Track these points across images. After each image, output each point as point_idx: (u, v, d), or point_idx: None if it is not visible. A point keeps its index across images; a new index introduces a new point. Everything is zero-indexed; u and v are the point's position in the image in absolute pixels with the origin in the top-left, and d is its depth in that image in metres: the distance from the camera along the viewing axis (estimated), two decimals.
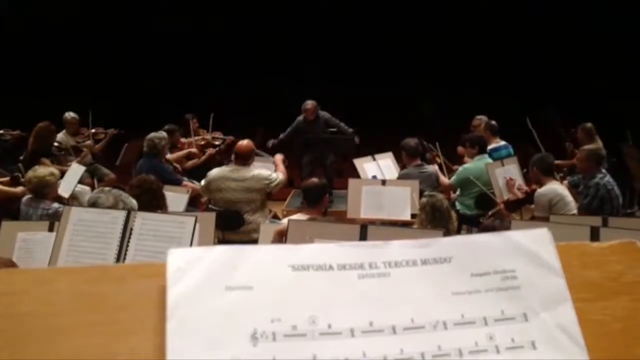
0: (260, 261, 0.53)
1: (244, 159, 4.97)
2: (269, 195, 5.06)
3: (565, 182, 5.40)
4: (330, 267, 0.55)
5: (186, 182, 6.04)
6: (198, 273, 0.51)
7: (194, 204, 5.34)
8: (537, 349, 0.53)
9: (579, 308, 0.55)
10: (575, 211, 4.69)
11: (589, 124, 6.80)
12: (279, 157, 5.48)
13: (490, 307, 0.55)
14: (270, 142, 7.33)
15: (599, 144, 6.73)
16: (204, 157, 6.94)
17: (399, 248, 0.56)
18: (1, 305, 0.48)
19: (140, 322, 0.50)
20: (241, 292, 0.51)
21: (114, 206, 3.05)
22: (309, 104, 7.17)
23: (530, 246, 0.58)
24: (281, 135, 7.38)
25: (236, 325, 0.50)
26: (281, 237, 3.21)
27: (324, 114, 7.30)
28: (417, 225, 3.73)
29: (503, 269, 0.57)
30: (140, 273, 0.52)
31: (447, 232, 3.49)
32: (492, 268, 0.57)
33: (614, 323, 0.55)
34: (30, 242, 3.42)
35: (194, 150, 6.88)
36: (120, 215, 2.87)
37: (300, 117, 7.27)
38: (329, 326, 0.52)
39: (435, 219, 3.54)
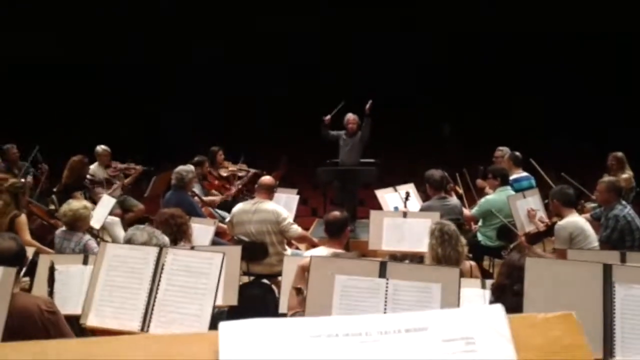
0: (287, 332, 0.70)
1: (265, 192, 5.15)
2: (282, 237, 5.01)
3: (588, 215, 5.40)
4: (336, 335, 0.73)
5: (211, 212, 6.21)
6: (246, 344, 0.67)
7: (220, 234, 5.49)
8: None
9: None
10: (596, 244, 4.66)
11: (620, 153, 6.79)
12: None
13: None
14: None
15: (630, 173, 6.72)
16: (232, 192, 7.01)
17: (391, 320, 0.76)
18: None
19: None
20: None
21: (147, 242, 3.20)
22: (349, 117, 7.44)
23: (487, 318, 0.76)
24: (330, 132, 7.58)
25: None
26: (304, 272, 3.31)
27: (363, 135, 7.41)
28: (428, 250, 3.79)
29: (466, 335, 0.75)
30: (195, 340, 0.67)
31: (458, 260, 3.57)
32: (458, 335, 0.75)
33: None
34: (65, 274, 3.57)
35: (215, 199, 6.77)
36: (153, 251, 3.01)
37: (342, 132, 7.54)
38: None
39: (444, 242, 3.62)
